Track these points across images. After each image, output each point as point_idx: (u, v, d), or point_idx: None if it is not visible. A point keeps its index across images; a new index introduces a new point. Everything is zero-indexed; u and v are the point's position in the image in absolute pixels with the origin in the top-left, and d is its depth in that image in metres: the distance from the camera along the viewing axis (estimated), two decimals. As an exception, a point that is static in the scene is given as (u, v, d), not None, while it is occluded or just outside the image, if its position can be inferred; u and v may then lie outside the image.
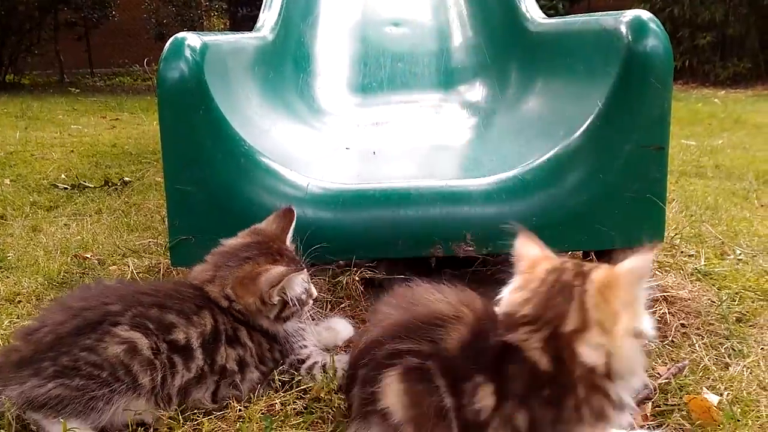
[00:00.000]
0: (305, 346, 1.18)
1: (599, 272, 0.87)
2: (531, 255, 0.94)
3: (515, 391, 0.85)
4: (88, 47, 11.03)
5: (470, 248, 1.44)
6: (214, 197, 1.40)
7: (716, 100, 6.88)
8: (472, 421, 0.87)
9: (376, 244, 1.45)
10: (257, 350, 1.12)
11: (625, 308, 0.82)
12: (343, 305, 1.47)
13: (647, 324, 0.84)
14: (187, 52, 1.33)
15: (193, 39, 1.37)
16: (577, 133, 1.42)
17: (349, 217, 1.45)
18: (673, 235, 1.87)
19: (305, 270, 1.15)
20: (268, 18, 2.17)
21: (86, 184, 3.03)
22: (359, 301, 1.47)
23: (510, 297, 0.91)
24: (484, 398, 0.87)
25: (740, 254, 1.79)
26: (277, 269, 1.13)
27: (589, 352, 0.82)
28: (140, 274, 1.72)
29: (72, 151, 4.14)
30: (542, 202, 1.42)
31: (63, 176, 3.26)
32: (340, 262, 1.55)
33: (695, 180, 2.95)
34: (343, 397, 1.08)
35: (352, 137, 2.04)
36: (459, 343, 0.90)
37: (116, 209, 2.54)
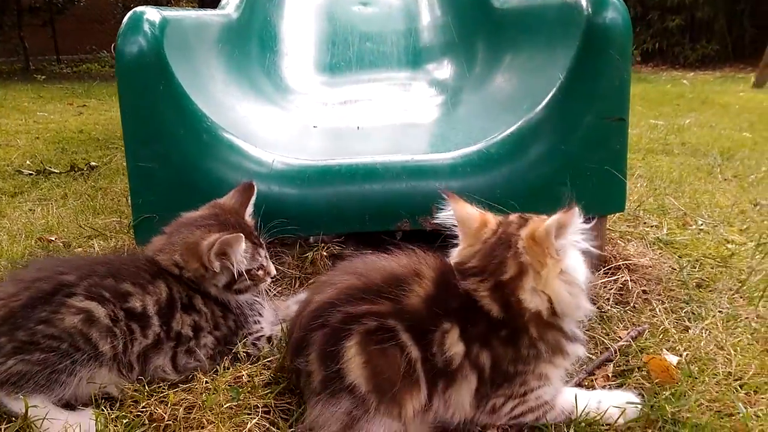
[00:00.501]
0: (258, 322, 1.18)
1: (531, 224, 0.94)
2: (476, 213, 1.01)
3: (477, 334, 0.90)
4: (54, 33, 10.73)
5: (437, 221, 1.45)
6: (177, 174, 1.38)
7: (685, 81, 7.00)
8: (442, 369, 0.90)
9: (342, 219, 1.45)
10: (211, 317, 1.13)
11: (553, 254, 0.90)
12: (311, 281, 1.47)
13: (578, 268, 0.92)
14: (146, 26, 1.31)
15: (152, 13, 1.34)
16: (539, 107, 1.43)
17: (315, 193, 1.45)
18: (636, 206, 1.90)
19: (241, 235, 1.14)
20: (232, -3, 2.14)
21: (52, 169, 2.96)
22: (327, 276, 1.47)
23: (461, 250, 0.97)
24: (453, 345, 0.90)
25: (702, 224, 1.83)
26: (216, 234, 1.13)
27: (529, 297, 0.90)
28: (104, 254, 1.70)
29: (37, 137, 4.04)
30: (506, 175, 1.44)
31: (28, 162, 3.19)
32: (310, 239, 1.55)
33: (662, 157, 3.00)
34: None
35: (320, 116, 2.03)
36: (423, 297, 0.92)
37: (82, 194, 2.50)
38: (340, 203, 1.44)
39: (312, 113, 2.06)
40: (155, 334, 1.03)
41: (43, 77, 8.56)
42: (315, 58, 2.43)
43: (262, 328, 1.18)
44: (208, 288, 1.15)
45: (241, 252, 1.13)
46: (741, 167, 2.70)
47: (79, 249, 1.79)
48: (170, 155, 1.36)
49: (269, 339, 1.18)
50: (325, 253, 1.47)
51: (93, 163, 3.04)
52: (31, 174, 2.90)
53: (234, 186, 1.41)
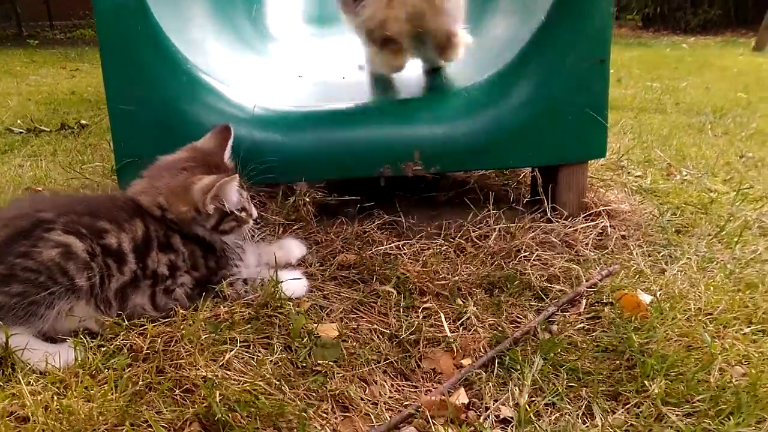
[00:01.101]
0: (237, 265, 1.20)
1: None
2: None
3: None
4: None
5: (419, 167, 1.45)
6: (158, 117, 1.38)
7: (685, 45, 6.91)
8: None
9: (324, 165, 1.45)
10: (190, 256, 1.14)
11: None
12: (295, 227, 1.48)
13: None
14: (123, -35, 1.29)
15: (129, -48, 1.32)
16: (520, 49, 1.42)
17: (297, 139, 1.45)
18: (621, 155, 1.91)
19: (237, 176, 1.15)
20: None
21: (42, 128, 2.95)
22: (310, 223, 1.48)
23: None
24: None
25: (686, 174, 1.84)
26: (210, 177, 1.13)
27: None
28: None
29: (29, 99, 4.02)
30: (489, 120, 1.44)
31: (19, 122, 3.18)
32: (295, 186, 1.55)
33: (654, 115, 2.99)
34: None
35: (306, 66, 2.01)
36: None
37: (72, 150, 2.50)
38: (322, 149, 1.45)
39: (297, 63, 2.05)
40: (131, 271, 1.04)
41: (36, 42, 8.45)
42: (303, 9, 2.40)
43: (240, 271, 1.19)
44: (195, 230, 1.15)
45: (234, 194, 1.14)
46: (732, 125, 2.69)
47: (66, 198, 1.80)
48: (150, 97, 1.36)
49: (245, 281, 1.19)
50: (308, 200, 1.48)
51: (83, 122, 3.03)
52: (21, 132, 2.90)
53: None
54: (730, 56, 5.92)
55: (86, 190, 1.86)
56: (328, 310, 1.17)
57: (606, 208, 1.48)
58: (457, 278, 1.24)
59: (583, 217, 1.46)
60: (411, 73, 1.84)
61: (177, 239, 1.12)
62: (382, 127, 1.46)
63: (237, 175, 1.16)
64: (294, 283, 1.22)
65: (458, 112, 1.46)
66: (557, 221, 1.46)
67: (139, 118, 1.36)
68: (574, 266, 1.25)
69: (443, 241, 1.43)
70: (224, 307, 1.14)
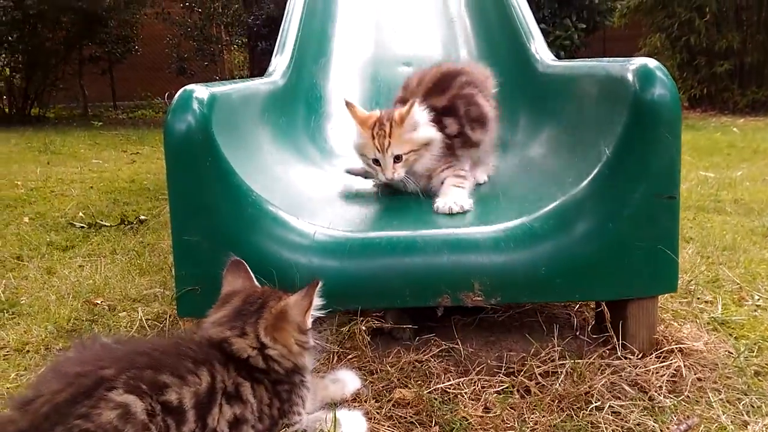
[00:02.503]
0: (299, 414, 1.16)
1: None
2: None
3: None
4: (112, 81, 11.33)
5: (479, 298, 1.42)
6: (221, 247, 1.39)
7: (735, 129, 6.80)
8: None
9: (382, 293, 1.43)
10: (258, 406, 1.11)
11: None
12: (349, 356, 1.45)
13: None
14: (195, 105, 1.35)
15: (200, 91, 1.39)
16: (585, 182, 1.40)
17: (356, 266, 1.44)
18: (689, 280, 1.82)
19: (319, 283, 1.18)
20: (279, 62, 2.20)
21: (103, 222, 3.07)
22: (365, 351, 1.45)
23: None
24: None
25: (758, 299, 1.74)
26: (294, 296, 1.15)
27: None
28: (149, 321, 1.73)
29: (91, 187, 4.22)
30: (551, 251, 1.40)
31: (81, 214, 3.32)
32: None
33: (713, 216, 2.89)
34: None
35: (363, 180, 2.05)
36: None
37: (130, 249, 2.57)
38: (380, 277, 1.43)
39: (355, 177, 2.08)
40: (190, 430, 1.01)
41: (100, 123, 8.99)
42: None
43: (301, 419, 1.16)
44: (300, 360, 1.16)
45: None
46: (799, 229, 2.57)
47: (123, 313, 1.83)
48: (215, 229, 1.39)
49: None
50: (363, 327, 1.45)
51: (142, 217, 3.14)
52: (82, 227, 3.02)
53: (276, 258, 1.43)
54: (784, 141, 5.78)
55: (142, 303, 1.89)
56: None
57: (679, 345, 1.40)
58: (524, 428, 1.17)
59: (655, 356, 1.38)
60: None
61: (247, 387, 1.09)
62: (440, 256, 1.43)
63: (319, 282, 1.17)
64: (353, 428, 1.18)
65: (519, 242, 1.43)
66: (627, 358, 1.38)
67: (202, 249, 1.39)
68: (650, 422, 1.17)
69: (505, 377, 1.37)
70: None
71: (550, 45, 8.07)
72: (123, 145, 6.80)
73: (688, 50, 8.60)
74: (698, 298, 1.73)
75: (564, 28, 8.10)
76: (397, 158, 1.76)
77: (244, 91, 1.73)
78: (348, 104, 1.85)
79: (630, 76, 1.34)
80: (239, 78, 10.34)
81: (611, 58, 1.54)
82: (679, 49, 8.67)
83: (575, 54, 8.48)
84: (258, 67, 8.26)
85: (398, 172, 1.77)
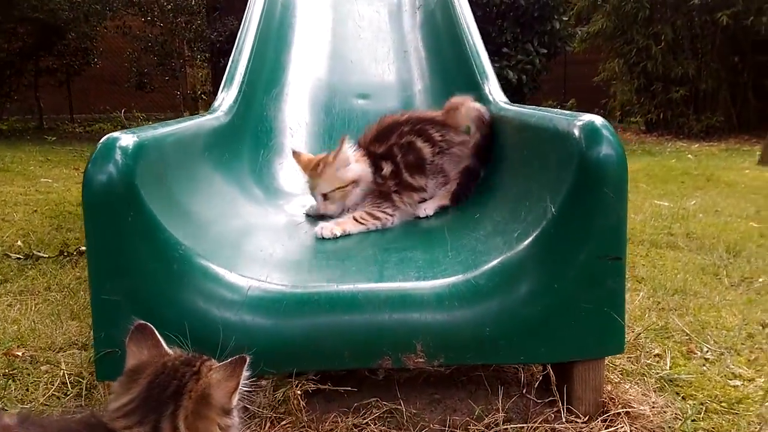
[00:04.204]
0: None
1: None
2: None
3: None
4: (69, 93, 11.00)
5: (421, 360, 1.35)
6: (145, 307, 1.30)
7: (690, 155, 6.97)
8: None
9: (319, 354, 1.35)
10: None
11: None
12: (283, 422, 1.36)
13: None
14: (118, 154, 1.26)
15: (125, 139, 1.30)
16: (531, 238, 1.35)
17: (291, 325, 1.36)
18: (638, 333, 1.80)
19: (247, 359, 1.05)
20: (226, 97, 2.12)
21: (40, 254, 2.91)
22: (301, 417, 1.36)
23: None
24: None
25: (707, 352, 1.72)
26: (219, 375, 1.02)
27: None
28: (71, 378, 1.61)
29: (35, 210, 4.03)
30: (496, 311, 1.35)
31: (19, 243, 3.15)
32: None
33: (666, 251, 2.91)
34: None
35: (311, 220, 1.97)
36: None
37: (65, 286, 2.43)
38: (318, 337, 1.35)
39: (302, 217, 2.01)
40: None
41: (54, 138, 8.68)
42: (311, 152, 2.39)
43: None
44: None
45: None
46: (748, 268, 2.60)
47: (45, 366, 1.70)
48: (138, 288, 1.29)
49: None
50: (299, 391, 1.37)
51: (83, 248, 2.99)
52: (19, 258, 2.85)
53: (204, 316, 1.34)
54: (736, 169, 5.93)
55: (66, 354, 1.77)
56: None
57: (626, 408, 1.36)
58: None
59: (601, 420, 1.34)
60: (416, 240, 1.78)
61: None
62: (382, 314, 1.36)
63: (247, 358, 1.05)
64: None
65: (463, 300, 1.37)
66: (574, 422, 1.33)
67: (123, 309, 1.28)
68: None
69: (448, 443, 1.31)
70: None
71: (513, 68, 8.21)
72: (75, 161, 6.57)
73: (645, 76, 8.83)
74: (647, 351, 1.70)
75: (526, 52, 8.21)
76: (325, 196, 1.95)
77: (182, 132, 1.64)
78: (294, 153, 2.06)
79: (576, 133, 1.31)
80: (202, 94, 10.17)
81: (560, 111, 1.50)
82: (637, 75, 8.89)
83: (537, 77, 8.60)
84: (220, 82, 8.11)
85: (328, 209, 1.96)
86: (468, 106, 2.02)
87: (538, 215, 1.38)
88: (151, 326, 1.13)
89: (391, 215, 1.93)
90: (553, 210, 1.32)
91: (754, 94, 8.76)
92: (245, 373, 1.06)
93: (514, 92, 8.26)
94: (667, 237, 3.19)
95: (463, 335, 1.36)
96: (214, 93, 9.34)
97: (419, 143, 1.99)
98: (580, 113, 1.38)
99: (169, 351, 1.11)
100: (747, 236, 3.17)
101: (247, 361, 1.04)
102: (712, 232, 3.26)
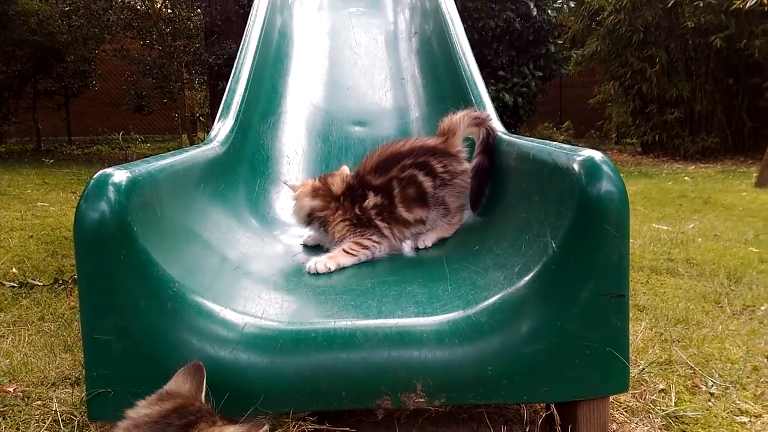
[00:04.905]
0: None
1: None
2: None
3: None
4: (68, 115, 11.03)
5: (421, 399, 1.32)
6: (137, 346, 1.27)
7: (686, 177, 6.98)
8: None
9: (317, 394, 1.32)
10: None
11: None
12: (280, 464, 1.33)
13: None
14: (110, 191, 1.24)
15: (118, 175, 1.28)
16: (532, 274, 1.33)
17: (287, 363, 1.32)
18: (642, 367, 1.76)
19: (266, 426, 1.02)
20: (222, 128, 2.11)
21: (35, 282, 2.87)
22: (298, 459, 1.33)
23: None
24: None
25: (712, 386, 1.68)
26: (234, 429, 0.99)
27: None
28: (63, 416, 1.57)
29: (31, 236, 3.99)
30: (497, 348, 1.32)
31: (14, 270, 3.11)
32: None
33: (666, 278, 2.88)
34: None
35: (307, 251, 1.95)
36: None
37: (59, 316, 2.39)
38: (315, 376, 1.32)
39: (299, 248, 1.98)
40: None
41: (52, 161, 8.67)
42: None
43: None
44: None
45: None
46: (749, 295, 2.57)
47: (38, 402, 1.66)
48: (130, 327, 1.26)
49: None
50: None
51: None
52: (13, 286, 2.81)
53: (199, 354, 1.30)
54: (733, 191, 5.94)
55: (59, 390, 1.73)
56: None
57: (631, 450, 1.32)
58: None
59: (606, 462, 1.30)
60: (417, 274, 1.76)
61: None
62: (381, 352, 1.33)
63: (266, 424, 1.02)
64: None
65: (464, 337, 1.34)
66: (577, 464, 1.30)
67: (116, 348, 1.26)
68: None
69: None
70: None
71: (509, 91, 8.26)
72: (73, 185, 6.54)
73: (640, 98, 8.89)
74: (652, 387, 1.66)
75: (522, 75, 8.27)
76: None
77: (177, 165, 1.62)
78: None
79: (576, 168, 1.29)
80: (200, 116, 10.21)
81: (558, 144, 1.49)
82: (632, 97, 8.96)
83: (533, 100, 8.66)
84: (218, 105, 8.13)
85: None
86: (460, 125, 2.00)
87: (539, 250, 1.36)
88: (205, 371, 1.12)
89: (378, 243, 1.91)
90: (554, 246, 1.30)
91: (749, 115, 8.82)
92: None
93: (510, 114, 8.31)
94: (667, 263, 3.17)
95: (465, 374, 1.32)
96: (213, 115, 9.39)
97: (421, 177, 1.95)
98: (579, 148, 1.36)
99: (203, 399, 1.09)
100: (747, 262, 3.15)
101: (265, 427, 1.01)
102: (712, 258, 3.24)
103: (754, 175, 6.53)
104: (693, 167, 7.99)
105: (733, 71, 8.75)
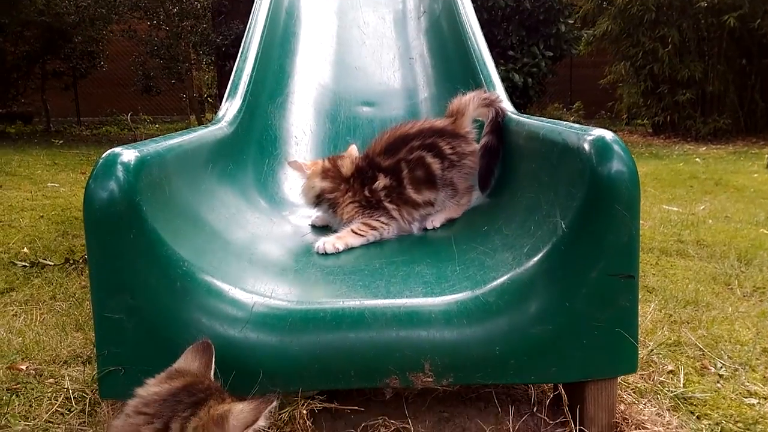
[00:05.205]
0: None
1: None
2: None
3: None
4: (76, 96, 11.04)
5: (429, 379, 1.33)
6: (147, 324, 1.28)
7: (697, 159, 6.91)
8: None
9: (325, 373, 1.33)
10: None
11: None
12: (290, 442, 1.34)
13: None
14: (119, 171, 1.24)
15: (127, 154, 1.27)
16: (541, 255, 1.33)
17: (296, 342, 1.33)
18: (651, 348, 1.76)
19: (274, 401, 1.02)
20: (230, 107, 2.10)
21: (46, 261, 2.90)
22: (307, 436, 1.34)
23: None
24: None
25: (721, 368, 1.68)
26: (243, 406, 1.00)
27: None
28: (74, 393, 1.59)
29: (41, 216, 4.02)
30: (505, 329, 1.32)
31: (25, 250, 3.14)
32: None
33: (676, 260, 2.87)
34: None
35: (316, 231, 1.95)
36: None
37: (71, 295, 2.42)
38: (324, 355, 1.33)
39: (307, 228, 1.98)
40: None
41: (61, 142, 8.70)
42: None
43: None
44: None
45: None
46: (760, 277, 2.55)
47: (50, 380, 1.69)
48: (140, 305, 1.27)
49: None
50: (304, 411, 1.34)
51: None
52: (25, 266, 2.84)
53: (208, 333, 1.31)
54: (744, 172, 5.87)
55: (71, 368, 1.75)
56: None
57: (639, 430, 1.32)
58: None
59: (614, 442, 1.31)
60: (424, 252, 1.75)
61: None
62: (389, 331, 1.34)
63: (274, 400, 1.02)
64: None
65: (472, 317, 1.34)
66: (585, 444, 1.30)
67: (126, 327, 1.27)
68: None
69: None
70: None
71: (519, 71, 8.17)
72: (82, 165, 6.56)
73: (651, 78, 8.77)
74: (660, 368, 1.66)
75: (532, 55, 8.17)
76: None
77: (186, 144, 1.62)
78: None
79: (587, 148, 1.28)
80: (208, 97, 10.19)
81: (568, 124, 1.47)
82: (644, 77, 8.83)
83: (543, 80, 8.56)
84: (226, 85, 8.10)
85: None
86: (469, 106, 1.99)
87: (548, 230, 1.35)
88: (213, 349, 1.13)
89: (386, 224, 1.91)
90: (563, 226, 1.29)
91: (762, 96, 8.68)
92: (265, 417, 1.03)
93: (520, 95, 8.23)
94: (677, 244, 3.15)
95: (473, 354, 1.33)
96: (220, 96, 9.36)
97: (429, 158, 1.94)
98: (590, 128, 1.35)
99: (212, 377, 1.10)
100: (758, 244, 3.12)
101: (273, 404, 1.01)
102: (723, 239, 3.21)
103: (766, 156, 6.45)
104: (704, 148, 7.90)
105: (747, 51, 8.59)
